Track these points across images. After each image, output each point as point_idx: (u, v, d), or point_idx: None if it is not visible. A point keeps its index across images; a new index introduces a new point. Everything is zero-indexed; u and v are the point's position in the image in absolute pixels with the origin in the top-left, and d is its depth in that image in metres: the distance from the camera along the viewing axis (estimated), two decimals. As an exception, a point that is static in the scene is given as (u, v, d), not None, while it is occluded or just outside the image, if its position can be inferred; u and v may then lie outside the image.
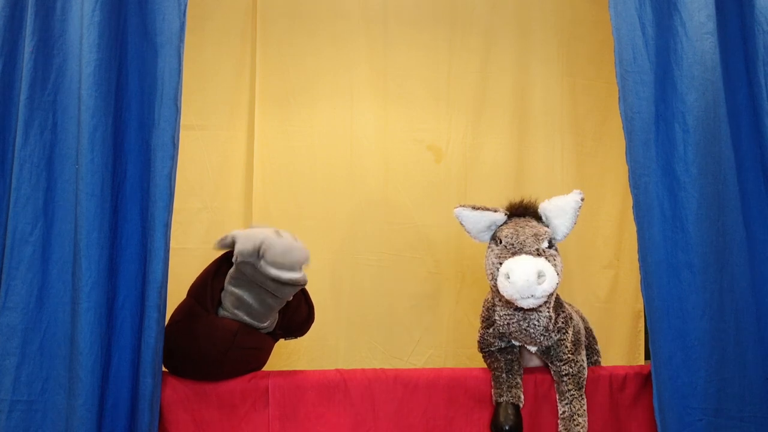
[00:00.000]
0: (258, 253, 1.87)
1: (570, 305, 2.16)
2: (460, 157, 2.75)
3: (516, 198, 1.98)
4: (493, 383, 1.95)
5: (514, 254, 1.84)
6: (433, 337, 2.71)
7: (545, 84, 2.79)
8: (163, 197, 1.79)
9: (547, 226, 1.90)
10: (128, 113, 1.85)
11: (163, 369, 1.86)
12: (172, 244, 1.81)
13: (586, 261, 2.79)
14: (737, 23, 1.97)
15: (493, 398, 1.93)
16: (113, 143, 1.81)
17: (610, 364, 2.20)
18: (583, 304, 2.33)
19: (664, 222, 1.88)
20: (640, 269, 1.88)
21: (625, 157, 1.91)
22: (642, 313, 2.73)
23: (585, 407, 1.90)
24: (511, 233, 1.87)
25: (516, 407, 1.90)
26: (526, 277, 1.77)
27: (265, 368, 2.04)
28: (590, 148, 2.82)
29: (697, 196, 1.86)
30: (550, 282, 1.79)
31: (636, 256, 1.89)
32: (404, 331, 2.69)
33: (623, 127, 1.91)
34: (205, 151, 2.63)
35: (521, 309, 1.87)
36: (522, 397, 1.92)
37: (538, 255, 1.83)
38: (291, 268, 1.90)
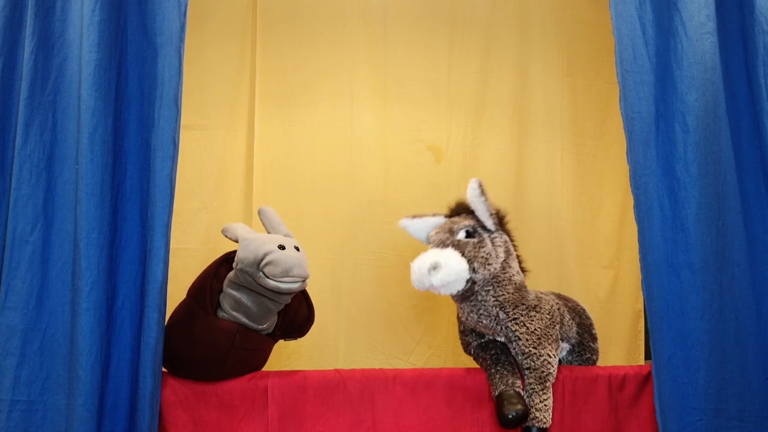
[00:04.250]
0: (258, 266, 1.86)
1: (566, 300, 2.17)
2: (460, 157, 2.75)
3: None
4: (488, 382, 1.96)
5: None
6: (433, 337, 2.70)
7: (545, 84, 2.78)
8: (163, 197, 1.79)
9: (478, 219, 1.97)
10: (128, 113, 1.85)
11: (163, 369, 1.86)
12: (172, 244, 1.81)
13: (586, 261, 2.79)
14: (737, 23, 1.97)
15: (492, 395, 1.93)
16: (113, 143, 1.81)
17: (610, 364, 2.20)
18: (582, 304, 2.32)
19: (664, 222, 1.88)
20: (640, 269, 1.88)
21: (625, 157, 1.91)
22: (642, 313, 2.72)
23: (547, 402, 1.89)
24: (435, 232, 1.99)
25: (516, 393, 1.89)
26: (418, 270, 1.88)
27: (265, 368, 2.04)
28: (590, 148, 2.82)
29: (697, 196, 1.87)
30: (447, 271, 1.85)
31: (636, 256, 1.89)
32: (404, 331, 2.69)
33: (623, 127, 1.91)
34: (205, 151, 2.62)
35: (466, 301, 1.94)
36: (518, 383, 1.92)
37: (445, 246, 1.91)
38: (292, 281, 1.87)
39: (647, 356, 2.62)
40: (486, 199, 1.96)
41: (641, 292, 1.91)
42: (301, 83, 2.69)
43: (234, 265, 1.92)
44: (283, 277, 1.85)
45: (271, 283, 1.85)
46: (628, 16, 1.91)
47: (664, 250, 1.87)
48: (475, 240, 1.93)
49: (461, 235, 1.93)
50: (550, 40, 2.79)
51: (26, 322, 1.74)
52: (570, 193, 2.78)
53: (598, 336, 2.23)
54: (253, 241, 1.91)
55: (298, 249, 1.93)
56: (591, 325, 2.19)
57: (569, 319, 2.10)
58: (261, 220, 2.08)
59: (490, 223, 1.97)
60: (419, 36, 2.75)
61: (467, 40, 2.76)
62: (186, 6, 1.85)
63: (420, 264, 1.88)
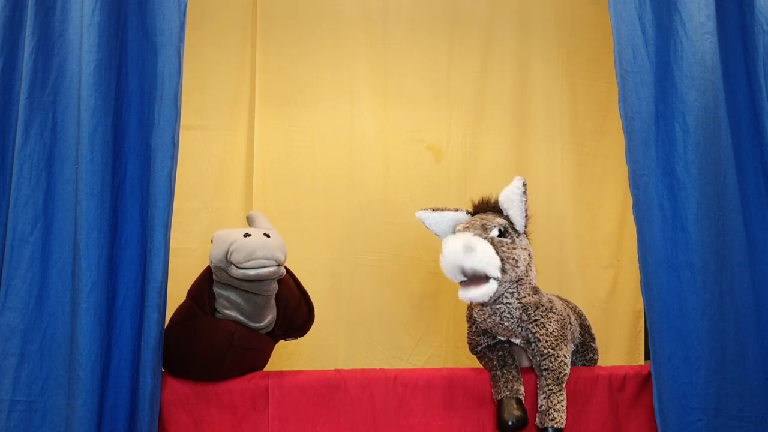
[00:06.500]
0: (227, 258, 1.86)
1: (566, 301, 2.17)
2: (460, 157, 2.75)
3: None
4: (491, 383, 1.95)
5: None
6: (433, 337, 2.71)
7: (545, 84, 2.79)
8: (163, 197, 1.79)
9: (507, 218, 1.92)
10: (128, 113, 1.85)
11: (163, 370, 1.86)
12: (172, 244, 1.81)
13: (586, 261, 2.79)
14: (737, 23, 1.97)
15: (494, 398, 1.93)
16: (113, 143, 1.81)
17: (610, 364, 2.20)
18: (583, 304, 2.32)
19: (664, 222, 1.88)
20: (640, 269, 1.88)
21: (625, 157, 1.91)
22: (642, 313, 2.72)
23: (563, 403, 1.89)
24: (464, 226, 1.91)
25: (518, 400, 1.89)
26: (452, 248, 1.80)
27: (265, 368, 2.04)
28: (590, 148, 2.82)
29: (697, 196, 1.87)
30: (481, 257, 1.80)
31: (636, 256, 1.89)
32: (404, 331, 2.69)
33: (623, 127, 1.91)
34: (205, 151, 2.62)
35: (489, 303, 1.90)
36: (521, 389, 1.92)
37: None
38: (257, 264, 1.84)
39: (647, 356, 2.61)
40: (526, 200, 1.92)
41: (641, 292, 1.90)
42: (301, 82, 2.69)
43: (210, 264, 1.92)
44: (246, 261, 1.82)
45: (239, 271, 1.83)
46: (628, 16, 1.91)
47: (664, 250, 1.87)
48: (508, 240, 1.89)
49: (494, 233, 1.88)
50: (550, 40, 2.79)
51: (26, 322, 1.74)
52: (570, 193, 2.79)
53: (598, 336, 2.22)
54: (222, 237, 1.91)
55: (268, 236, 1.90)
56: (590, 325, 2.20)
57: (574, 320, 2.10)
58: (249, 225, 2.08)
59: (521, 224, 1.93)
60: (419, 35, 2.75)
61: (467, 39, 2.77)
62: (186, 6, 1.85)
63: (454, 243, 1.82)
